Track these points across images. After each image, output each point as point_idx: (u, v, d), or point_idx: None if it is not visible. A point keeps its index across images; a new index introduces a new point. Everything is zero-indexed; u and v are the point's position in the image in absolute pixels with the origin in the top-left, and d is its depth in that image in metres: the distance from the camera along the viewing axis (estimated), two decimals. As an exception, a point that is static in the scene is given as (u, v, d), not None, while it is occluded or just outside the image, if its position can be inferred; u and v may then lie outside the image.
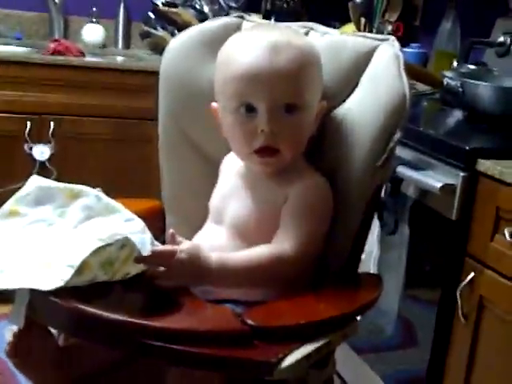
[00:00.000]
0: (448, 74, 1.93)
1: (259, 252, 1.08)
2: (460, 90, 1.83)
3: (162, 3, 2.73)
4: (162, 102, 1.36)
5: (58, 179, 2.32)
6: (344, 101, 1.20)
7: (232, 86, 1.11)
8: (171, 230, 1.04)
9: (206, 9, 2.73)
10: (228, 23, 1.33)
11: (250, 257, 1.07)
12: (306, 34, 1.28)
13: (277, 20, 2.98)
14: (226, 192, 1.22)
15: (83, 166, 2.53)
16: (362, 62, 1.19)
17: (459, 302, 1.52)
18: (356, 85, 1.19)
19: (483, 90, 1.82)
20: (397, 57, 1.16)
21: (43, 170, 2.46)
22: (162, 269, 1.02)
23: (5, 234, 1.06)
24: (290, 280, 1.10)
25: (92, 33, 2.87)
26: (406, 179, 1.67)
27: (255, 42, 1.11)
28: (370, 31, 2.73)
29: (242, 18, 1.35)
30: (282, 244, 1.09)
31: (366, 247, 1.31)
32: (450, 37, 2.49)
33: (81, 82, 2.50)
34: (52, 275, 0.94)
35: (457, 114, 1.97)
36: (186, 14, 2.70)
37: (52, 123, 2.47)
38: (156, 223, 1.38)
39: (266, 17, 2.96)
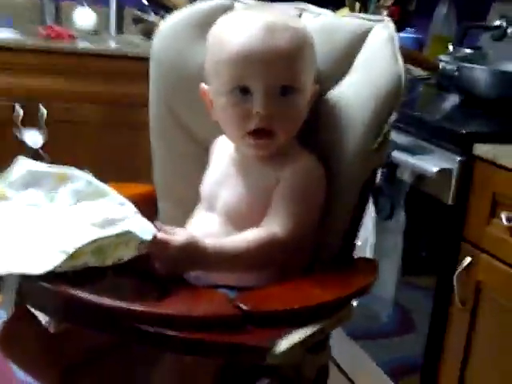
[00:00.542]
0: (444, 58, 1.92)
1: (251, 235, 1.07)
2: (456, 73, 1.82)
3: (155, -13, 2.71)
4: (152, 86, 1.34)
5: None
6: (338, 83, 1.18)
7: (226, 67, 1.08)
8: (158, 223, 1.03)
9: (198, -7, 2.69)
10: (219, 4, 1.30)
11: (243, 240, 1.06)
12: (300, 15, 1.26)
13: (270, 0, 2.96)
14: (218, 178, 1.21)
15: (75, 151, 2.50)
16: (356, 43, 1.17)
17: (456, 287, 1.51)
18: (350, 67, 1.17)
19: (479, 74, 1.80)
20: (392, 38, 1.14)
21: (35, 155, 2.44)
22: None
23: None
24: (283, 263, 1.09)
25: (84, 18, 2.84)
26: (401, 164, 1.66)
27: (250, 23, 1.08)
28: (365, 16, 2.71)
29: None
30: (272, 226, 1.07)
31: (362, 233, 1.30)
32: (446, 21, 2.47)
33: (73, 68, 2.47)
34: (43, 260, 0.92)
35: (453, 99, 1.95)
36: (179, -2, 2.67)
37: (44, 109, 2.44)
38: (148, 208, 1.36)
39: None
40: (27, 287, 0.93)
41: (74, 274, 0.93)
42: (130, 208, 1.13)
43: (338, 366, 1.99)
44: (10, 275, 0.92)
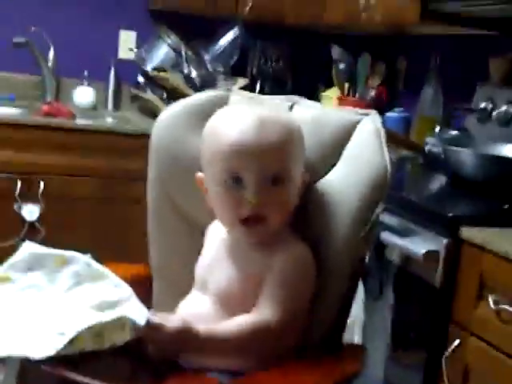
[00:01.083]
0: (430, 140, 1.98)
1: (242, 322, 1.09)
2: (442, 156, 1.87)
3: (152, 68, 2.79)
4: (150, 171, 1.39)
5: (46, 238, 2.34)
6: (327, 172, 1.23)
7: (220, 158, 1.14)
8: (151, 311, 1.06)
9: (193, 73, 2.78)
10: (215, 96, 1.37)
11: (234, 327, 1.09)
12: (291, 107, 1.32)
13: (263, 84, 3.05)
14: (210, 261, 1.24)
15: (71, 225, 2.54)
16: (344, 136, 1.22)
17: (444, 370, 1.53)
18: (339, 157, 1.22)
19: (465, 157, 1.86)
20: (378, 131, 1.19)
21: (32, 229, 2.48)
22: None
23: None
24: (273, 349, 1.11)
25: (83, 95, 2.93)
26: (389, 245, 1.70)
27: (243, 117, 1.14)
28: (354, 95, 2.80)
29: (228, 91, 1.39)
30: (263, 313, 1.10)
31: (351, 312, 1.32)
32: (433, 102, 2.54)
33: (71, 144, 2.53)
34: (43, 343, 0.95)
35: (439, 179, 2.00)
36: (175, 78, 2.76)
37: (42, 183, 2.49)
38: (142, 289, 1.39)
39: (252, 81, 3.02)
40: (27, 369, 0.95)
41: (71, 355, 0.96)
42: (126, 290, 1.17)
43: None
44: (12, 357, 0.95)
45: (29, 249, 1.16)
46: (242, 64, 3.06)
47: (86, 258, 1.18)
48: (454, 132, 2.22)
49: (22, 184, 2.47)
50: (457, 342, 1.51)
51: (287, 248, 1.16)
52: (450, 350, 1.52)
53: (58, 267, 1.16)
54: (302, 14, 2.86)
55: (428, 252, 1.56)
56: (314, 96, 2.70)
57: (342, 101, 2.76)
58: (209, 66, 2.84)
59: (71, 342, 0.94)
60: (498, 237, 1.45)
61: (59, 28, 2.94)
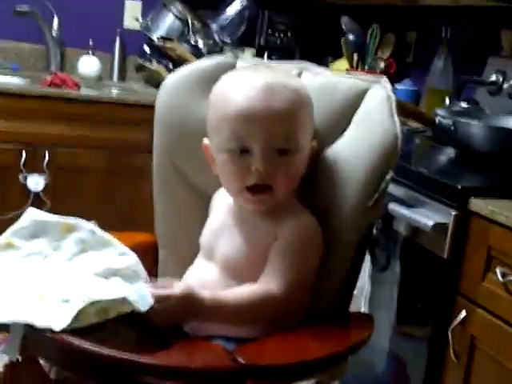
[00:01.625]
0: (440, 112, 1.95)
1: (247, 291, 1.09)
2: (452, 128, 1.85)
3: (158, 38, 2.76)
4: (156, 140, 1.38)
5: (51, 210, 2.33)
6: (336, 140, 1.21)
7: (227, 126, 1.12)
8: (159, 280, 1.05)
9: (200, 43, 2.76)
10: (222, 62, 1.34)
11: (239, 295, 1.08)
12: (299, 74, 1.30)
13: (270, 55, 3.02)
14: (216, 229, 1.23)
15: (77, 197, 2.54)
16: (353, 103, 1.20)
17: (451, 341, 1.52)
18: (348, 125, 1.21)
19: (475, 129, 1.83)
20: (388, 98, 1.17)
21: (37, 200, 2.47)
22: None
23: (0, 267, 1.06)
24: (279, 318, 1.11)
25: (88, 65, 2.90)
26: (397, 216, 1.68)
27: (251, 83, 1.12)
28: (363, 67, 2.76)
29: (236, 57, 1.37)
30: (268, 283, 1.10)
31: (358, 283, 1.31)
32: (443, 74, 2.51)
33: (76, 114, 2.52)
34: (48, 311, 0.94)
35: (449, 152, 1.99)
36: (181, 48, 2.73)
37: (47, 154, 2.48)
38: (149, 257, 1.39)
39: (260, 52, 2.99)
40: (31, 335, 0.95)
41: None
42: (132, 258, 1.16)
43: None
44: (17, 324, 0.94)
45: (32, 215, 1.15)
46: (250, 35, 3.03)
47: (91, 226, 1.17)
48: (464, 104, 2.20)
49: (26, 155, 2.47)
50: (463, 314, 1.51)
51: (294, 217, 1.15)
52: (456, 322, 1.51)
53: (63, 234, 1.15)
54: (311, -17, 2.82)
55: (436, 224, 1.54)
56: (321, 68, 2.66)
57: (351, 72, 2.72)
58: (216, 37, 2.81)
59: (76, 317, 0.94)
60: (506, 209, 1.44)
61: (64, -3, 2.92)
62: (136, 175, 2.50)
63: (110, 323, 1.00)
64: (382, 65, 2.77)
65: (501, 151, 1.80)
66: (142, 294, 1.01)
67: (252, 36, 3.06)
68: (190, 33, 2.76)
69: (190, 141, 1.30)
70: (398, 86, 2.60)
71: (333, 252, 1.17)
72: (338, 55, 2.93)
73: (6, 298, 0.98)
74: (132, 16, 2.98)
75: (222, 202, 1.25)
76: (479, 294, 1.48)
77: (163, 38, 2.76)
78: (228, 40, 2.85)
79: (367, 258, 1.74)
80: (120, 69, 3.01)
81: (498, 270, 1.42)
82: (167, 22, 2.83)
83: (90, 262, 1.12)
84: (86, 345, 0.93)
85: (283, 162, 1.11)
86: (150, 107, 1.40)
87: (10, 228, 1.13)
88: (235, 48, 2.74)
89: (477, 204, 1.49)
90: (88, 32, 2.95)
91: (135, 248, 1.28)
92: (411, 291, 1.72)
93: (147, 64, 2.82)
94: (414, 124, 2.27)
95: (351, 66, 2.81)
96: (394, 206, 1.67)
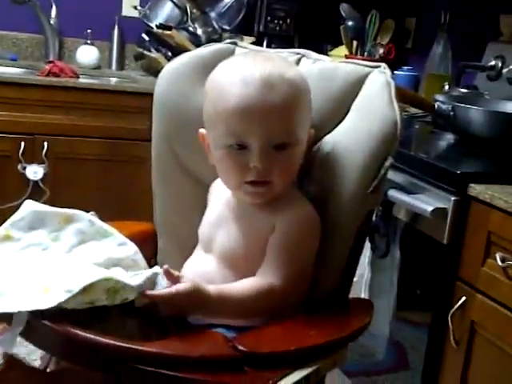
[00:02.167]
0: (439, 97, 1.95)
1: (247, 286, 1.09)
2: (451, 113, 1.85)
3: (156, 25, 2.75)
4: (155, 128, 1.37)
5: (50, 199, 2.33)
6: (335, 127, 1.21)
7: (223, 122, 1.09)
8: (165, 266, 1.03)
9: (199, 31, 2.75)
10: (221, 49, 1.33)
11: (241, 291, 1.08)
12: (298, 60, 1.29)
13: (269, 43, 3.01)
14: (214, 221, 1.22)
15: (76, 186, 2.54)
16: (353, 89, 1.19)
17: (451, 326, 1.53)
18: (347, 112, 1.20)
19: (474, 114, 1.83)
20: (388, 84, 1.16)
21: (36, 190, 2.47)
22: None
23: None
24: (278, 310, 1.10)
25: (86, 54, 2.90)
26: (397, 203, 1.68)
27: (247, 76, 1.08)
28: (362, 54, 2.75)
29: (235, 44, 1.36)
30: (268, 276, 1.09)
31: (357, 270, 1.31)
32: (442, 60, 2.51)
33: (75, 103, 2.51)
34: (49, 299, 0.94)
35: (448, 138, 1.98)
36: (180, 36, 2.72)
37: (46, 144, 2.48)
38: (148, 246, 1.38)
39: (259, 39, 2.98)
40: (31, 325, 0.95)
41: (79, 312, 0.96)
42: (131, 248, 1.15)
43: (335, 403, 1.99)
44: (19, 314, 0.94)
45: (30, 207, 1.15)
46: (249, 22, 3.01)
47: (90, 216, 1.16)
48: (464, 90, 2.19)
49: (25, 144, 2.47)
50: (463, 299, 1.51)
51: (292, 208, 1.14)
52: (456, 307, 1.52)
53: (62, 225, 1.15)
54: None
55: (436, 209, 1.54)
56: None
57: (350, 59, 2.71)
58: (214, 24, 2.79)
59: (82, 291, 0.94)
60: (506, 194, 1.44)
61: (61, -15, 2.90)
62: (135, 164, 2.51)
63: (114, 314, 1.00)
64: (382, 51, 2.76)
65: (500, 136, 1.79)
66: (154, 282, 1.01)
67: (251, 23, 3.04)
68: (189, 20, 2.75)
69: (189, 128, 1.29)
70: (398, 72, 2.60)
71: (332, 239, 1.17)
72: (337, 42, 2.92)
73: (9, 289, 0.98)
74: (130, 4, 2.97)
75: (220, 194, 1.24)
76: (479, 279, 1.48)
77: (162, 26, 2.75)
78: (227, 27, 2.84)
79: (367, 244, 1.74)
80: (118, 57, 3.00)
81: (497, 255, 1.42)
82: (166, 9, 2.82)
83: (89, 252, 1.12)
84: (85, 333, 0.93)
85: (282, 156, 1.10)
86: (149, 95, 1.39)
87: (8, 220, 1.13)
88: (234, 35, 2.73)
89: (476, 189, 1.49)
90: (86, 21, 2.94)
91: (134, 237, 1.28)
92: (411, 277, 1.72)
93: (146, 52, 2.81)
94: (413, 110, 2.26)
95: (350, 53, 2.80)
96: (393, 193, 1.67)
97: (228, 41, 1.39)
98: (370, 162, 1.13)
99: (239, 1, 2.87)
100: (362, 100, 1.18)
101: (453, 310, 1.52)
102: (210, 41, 2.68)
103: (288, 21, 3.05)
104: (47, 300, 0.93)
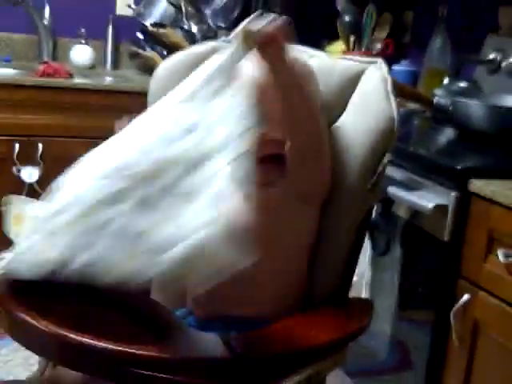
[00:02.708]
0: (438, 92, 1.93)
1: None
2: (450, 108, 1.83)
3: (151, 24, 2.73)
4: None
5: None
6: (332, 124, 1.19)
7: None
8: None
9: (194, 29, 2.72)
10: (216, 47, 1.32)
11: None
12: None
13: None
14: None
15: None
16: (349, 85, 1.18)
17: (453, 324, 1.50)
18: (344, 108, 1.19)
19: (474, 109, 1.81)
20: (384, 79, 1.15)
21: (31, 191, 2.44)
22: None
23: None
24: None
25: (81, 54, 2.87)
26: (397, 200, 1.66)
27: None
28: (360, 49, 2.73)
29: (229, 42, 1.34)
30: None
31: (358, 268, 1.30)
32: (441, 54, 2.48)
33: (69, 104, 2.49)
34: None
35: (448, 133, 1.96)
36: (175, 34, 2.69)
37: (40, 145, 2.46)
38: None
39: (255, 36, 2.95)
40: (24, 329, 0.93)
41: (69, 313, 0.94)
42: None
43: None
44: None
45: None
46: (244, 19, 2.98)
47: None
48: (463, 84, 2.17)
49: (20, 146, 2.44)
50: (466, 297, 1.49)
51: None
52: (458, 305, 1.49)
53: None
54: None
55: (436, 206, 1.52)
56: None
57: (347, 54, 2.69)
58: (209, 21, 2.77)
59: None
60: (507, 189, 1.42)
61: (54, -15, 2.88)
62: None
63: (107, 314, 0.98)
64: (379, 45, 2.73)
65: (500, 130, 1.77)
66: None
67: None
68: (184, 18, 2.73)
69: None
70: (396, 67, 2.57)
71: (331, 237, 1.16)
72: (334, 37, 2.90)
73: None
74: (124, 3, 2.94)
75: None
76: (481, 276, 1.46)
77: (156, 25, 2.73)
78: (222, 25, 2.81)
79: (367, 242, 1.72)
80: (113, 56, 2.97)
81: (499, 252, 1.40)
82: (160, 7, 2.79)
83: None
84: (81, 337, 0.91)
85: None
86: (145, 95, 1.38)
87: None
88: (229, 33, 2.70)
89: (477, 185, 1.47)
90: (80, 20, 2.90)
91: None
92: (412, 275, 1.70)
93: (141, 51, 2.79)
94: (412, 105, 2.24)
95: (348, 48, 2.77)
96: (393, 189, 1.65)
97: (223, 38, 1.38)
98: (368, 159, 1.12)
99: (234, -3, 2.84)
100: (358, 96, 1.17)
101: (455, 307, 1.50)
102: (205, 38, 2.65)
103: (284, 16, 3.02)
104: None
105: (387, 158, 1.12)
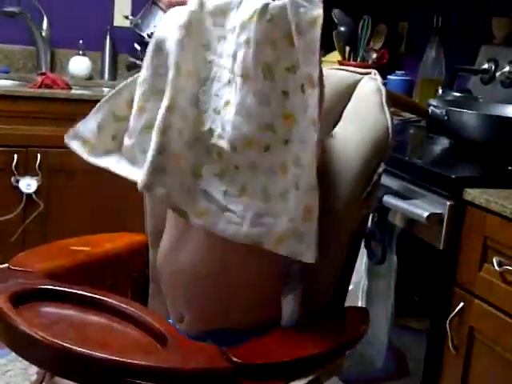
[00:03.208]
0: (433, 102, 1.94)
1: None
2: (445, 118, 1.84)
3: (148, 35, 2.74)
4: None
5: (44, 212, 2.31)
6: (327, 134, 1.20)
7: None
8: None
9: (191, 40, 2.73)
10: None
11: None
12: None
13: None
14: None
15: (70, 198, 2.52)
16: (344, 96, 1.19)
17: (449, 332, 1.51)
18: (339, 118, 1.19)
19: (468, 118, 1.82)
20: (378, 90, 1.16)
21: (30, 202, 2.45)
22: None
23: None
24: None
25: (78, 65, 2.88)
26: (392, 208, 1.67)
27: None
28: (355, 59, 2.75)
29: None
30: None
31: (354, 277, 1.31)
32: (435, 64, 2.50)
33: (67, 115, 2.49)
34: None
35: (442, 142, 1.97)
36: (172, 45, 2.70)
37: (39, 156, 2.47)
38: (141, 257, 1.38)
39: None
40: (18, 340, 0.94)
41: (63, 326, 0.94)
42: None
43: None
44: None
45: None
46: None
47: None
48: (457, 94, 2.19)
49: (18, 157, 2.45)
50: (461, 305, 1.50)
51: None
52: (454, 313, 1.50)
53: None
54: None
55: (431, 214, 1.53)
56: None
57: (342, 65, 2.70)
58: (206, 32, 2.78)
59: None
60: (501, 198, 1.43)
61: (52, -4, 2.90)
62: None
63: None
64: (375, 56, 2.75)
65: (495, 140, 1.78)
66: None
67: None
68: (180, 29, 2.73)
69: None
70: (391, 77, 2.59)
71: (326, 247, 1.16)
72: (330, 48, 2.91)
73: None
74: (122, 14, 2.96)
75: None
76: (476, 284, 1.47)
77: (153, 36, 2.74)
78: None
79: (363, 251, 1.73)
80: (111, 68, 2.99)
81: (494, 260, 1.41)
82: (157, 19, 2.80)
83: None
84: (78, 347, 0.91)
85: None
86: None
87: None
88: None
89: (472, 193, 1.48)
90: (78, 31, 2.92)
91: (128, 248, 1.27)
92: (408, 284, 1.71)
93: (138, 62, 2.80)
94: (407, 115, 2.25)
95: (343, 58, 2.79)
96: (388, 198, 1.66)
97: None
98: (363, 169, 1.13)
99: (231, 9, 2.86)
100: (353, 107, 1.18)
101: (451, 316, 1.51)
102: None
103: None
104: None
105: (382, 168, 1.13)
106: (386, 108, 1.14)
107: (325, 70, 1.26)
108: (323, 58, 2.87)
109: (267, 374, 0.99)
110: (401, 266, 1.70)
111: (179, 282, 1.19)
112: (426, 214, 1.53)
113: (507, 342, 1.39)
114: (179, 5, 1.09)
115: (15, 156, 2.44)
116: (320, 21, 0.97)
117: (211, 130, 1.01)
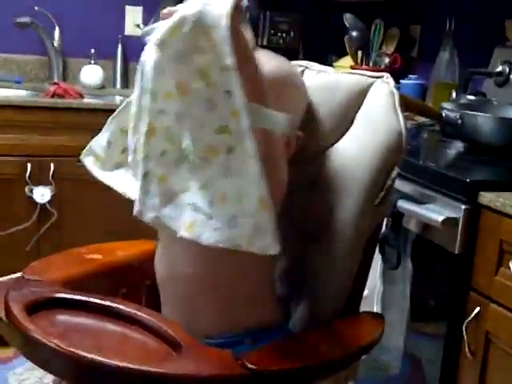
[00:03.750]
0: (447, 105, 1.93)
1: None
2: (459, 121, 1.82)
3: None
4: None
5: (58, 221, 2.31)
6: (340, 138, 1.19)
7: None
8: None
9: (202, 47, 2.74)
10: None
11: None
12: (301, 72, 1.28)
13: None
14: None
15: (84, 207, 2.52)
16: (356, 100, 1.18)
17: (465, 337, 1.50)
18: (352, 122, 1.19)
19: (482, 122, 1.81)
20: (391, 94, 1.15)
21: (44, 212, 2.46)
22: None
23: None
24: None
25: (90, 74, 2.90)
26: (407, 213, 1.66)
27: None
28: (367, 64, 2.74)
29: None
30: None
31: (369, 283, 1.30)
32: (448, 67, 2.49)
33: (80, 124, 2.51)
34: None
35: (457, 146, 1.96)
36: (184, 52, 2.71)
37: (52, 165, 2.48)
38: (152, 265, 1.37)
39: (263, 53, 2.97)
40: (33, 349, 0.94)
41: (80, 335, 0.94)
42: None
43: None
44: None
45: None
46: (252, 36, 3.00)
47: None
48: (471, 97, 2.17)
49: (32, 167, 2.46)
50: (477, 309, 1.48)
51: None
52: (470, 318, 1.49)
53: None
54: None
55: (447, 219, 1.51)
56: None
57: (355, 70, 2.70)
58: (217, 40, 2.79)
59: None
60: (518, 201, 1.41)
61: (63, 6, 2.91)
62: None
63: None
64: (387, 60, 2.75)
65: (509, 143, 1.77)
66: None
67: (254, 37, 3.04)
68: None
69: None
70: (404, 81, 2.58)
71: (341, 252, 1.15)
72: (342, 53, 2.91)
73: None
74: (133, 23, 2.97)
75: None
76: (492, 288, 1.45)
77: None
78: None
79: (378, 257, 1.71)
80: (123, 76, 3.00)
81: (510, 264, 1.39)
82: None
83: None
84: (93, 355, 0.91)
85: None
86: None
87: None
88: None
89: (487, 197, 1.47)
90: (89, 41, 2.94)
91: (143, 256, 1.27)
92: (424, 288, 1.69)
93: (150, 70, 2.81)
94: (420, 119, 2.24)
95: (355, 63, 2.79)
96: (402, 203, 1.65)
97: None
98: (376, 174, 1.12)
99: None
100: (365, 111, 1.17)
101: (467, 320, 1.49)
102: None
103: (292, 33, 3.05)
104: None
105: (395, 172, 1.12)
106: (399, 112, 1.13)
107: (337, 74, 1.27)
108: (335, 64, 2.89)
109: (282, 379, 0.98)
110: (416, 271, 1.68)
111: (170, 289, 1.18)
112: (441, 219, 1.52)
113: (525, 346, 1.37)
114: None
115: (29, 166, 2.45)
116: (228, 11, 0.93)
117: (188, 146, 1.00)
